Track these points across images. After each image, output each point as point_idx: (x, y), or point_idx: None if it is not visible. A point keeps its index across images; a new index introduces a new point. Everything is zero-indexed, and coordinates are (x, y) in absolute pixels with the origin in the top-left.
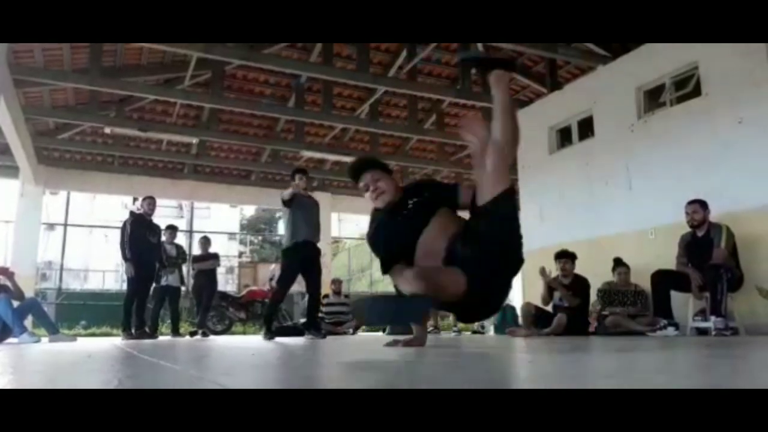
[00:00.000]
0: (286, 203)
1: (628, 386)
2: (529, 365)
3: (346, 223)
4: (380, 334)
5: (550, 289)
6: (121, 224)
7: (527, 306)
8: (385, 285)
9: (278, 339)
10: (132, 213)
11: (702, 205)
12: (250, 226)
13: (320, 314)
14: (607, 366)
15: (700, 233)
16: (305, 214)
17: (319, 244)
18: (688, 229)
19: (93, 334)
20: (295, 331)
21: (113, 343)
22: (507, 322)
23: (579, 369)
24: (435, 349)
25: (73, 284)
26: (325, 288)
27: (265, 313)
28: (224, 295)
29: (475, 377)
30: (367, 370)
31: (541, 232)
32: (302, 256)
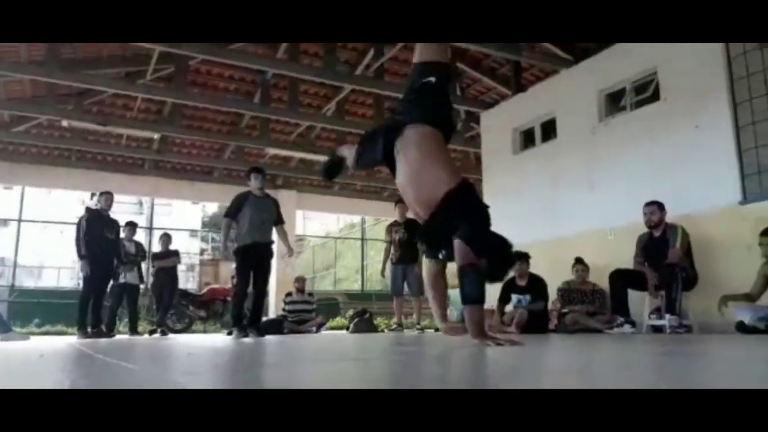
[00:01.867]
0: (229, 218)
1: (589, 385)
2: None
3: (311, 221)
4: (343, 332)
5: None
6: (76, 220)
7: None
8: (350, 283)
9: (243, 339)
10: (88, 209)
11: (659, 206)
12: (213, 224)
13: (283, 312)
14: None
15: (656, 234)
16: (253, 215)
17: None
18: (645, 230)
19: (47, 333)
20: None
21: (68, 342)
22: None
23: (540, 365)
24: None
25: (26, 281)
26: (289, 286)
27: (232, 313)
28: (185, 293)
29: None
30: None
31: (503, 231)
32: (250, 257)
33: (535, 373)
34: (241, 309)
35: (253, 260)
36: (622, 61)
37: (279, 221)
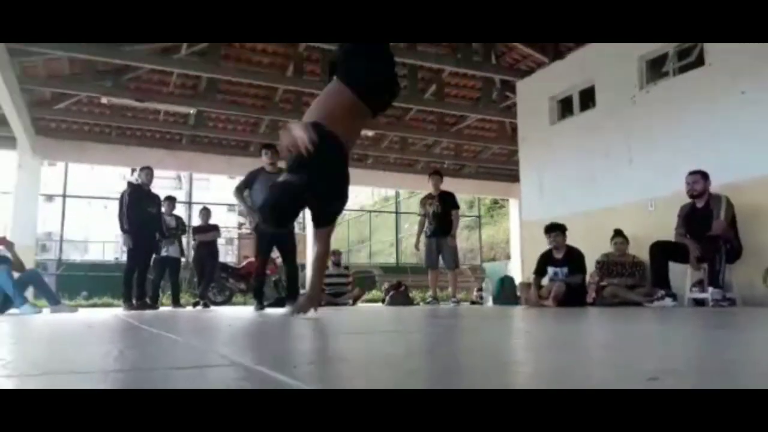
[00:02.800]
0: (238, 190)
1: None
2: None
3: None
4: (379, 305)
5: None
6: (119, 195)
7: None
8: (385, 257)
9: (269, 310)
10: (130, 184)
11: (703, 175)
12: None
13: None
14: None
15: (699, 204)
16: (266, 191)
17: None
18: (687, 201)
19: (94, 305)
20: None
21: (114, 313)
22: (505, 293)
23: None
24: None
25: (73, 255)
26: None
27: (254, 287)
28: (224, 267)
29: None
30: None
31: (541, 204)
32: (270, 233)
33: (570, 348)
34: (262, 283)
35: (273, 237)
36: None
37: None
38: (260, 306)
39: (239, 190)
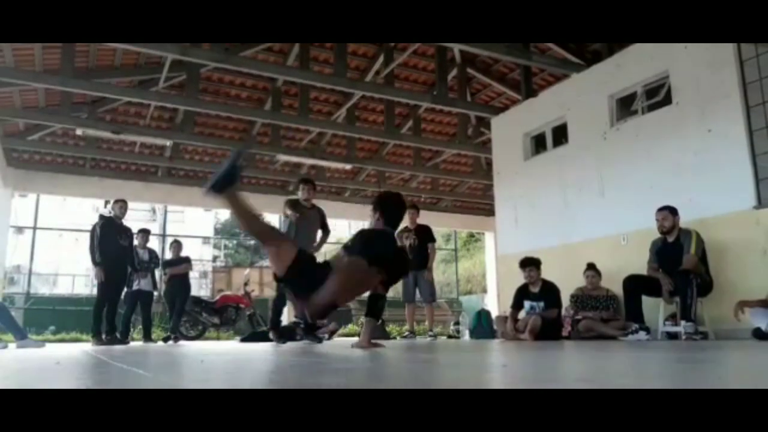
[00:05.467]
0: (288, 215)
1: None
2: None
3: None
4: (356, 338)
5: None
6: (90, 228)
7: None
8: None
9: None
10: (102, 216)
11: (671, 211)
12: (225, 231)
13: (296, 319)
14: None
15: (670, 239)
16: (303, 225)
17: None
18: (659, 235)
19: (62, 340)
20: (266, 336)
21: (83, 349)
22: (482, 327)
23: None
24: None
25: (42, 289)
26: None
27: (272, 319)
28: (197, 300)
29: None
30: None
31: (515, 237)
32: None
33: (548, 380)
34: (279, 314)
35: None
36: (634, 65)
37: (325, 230)
38: (281, 340)
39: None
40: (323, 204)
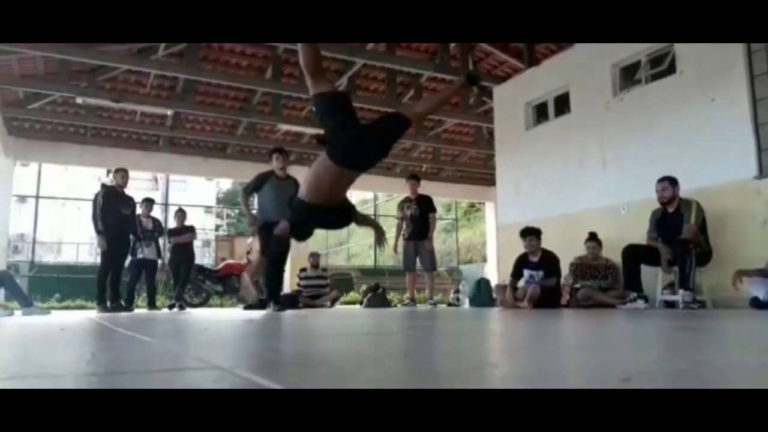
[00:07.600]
0: (245, 192)
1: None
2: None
3: None
4: (357, 307)
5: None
6: (92, 197)
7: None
8: (362, 259)
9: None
10: (104, 185)
11: (671, 182)
12: (227, 200)
13: (298, 287)
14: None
15: (670, 209)
16: (275, 194)
17: None
18: (659, 205)
19: (67, 307)
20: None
21: (88, 316)
22: (482, 295)
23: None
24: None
25: (46, 257)
26: (303, 261)
27: (270, 288)
28: (201, 269)
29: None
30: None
31: (516, 207)
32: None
33: (544, 350)
34: (280, 284)
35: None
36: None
37: None
38: (278, 306)
39: (246, 192)
40: None
